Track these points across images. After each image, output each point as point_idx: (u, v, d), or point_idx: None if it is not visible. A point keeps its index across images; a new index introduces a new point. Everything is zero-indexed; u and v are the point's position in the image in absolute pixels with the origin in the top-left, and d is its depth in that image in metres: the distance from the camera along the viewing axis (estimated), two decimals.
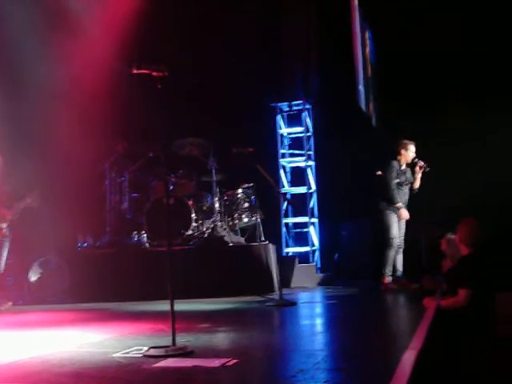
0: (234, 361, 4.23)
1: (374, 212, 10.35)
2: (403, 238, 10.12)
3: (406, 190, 10.14)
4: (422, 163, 10.06)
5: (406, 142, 10.20)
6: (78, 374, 4.04)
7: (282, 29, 12.88)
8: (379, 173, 10.15)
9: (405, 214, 9.96)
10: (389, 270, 9.91)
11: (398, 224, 9.99)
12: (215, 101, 12.33)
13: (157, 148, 10.28)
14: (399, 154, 10.17)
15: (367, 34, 13.86)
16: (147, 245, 10.52)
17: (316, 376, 3.76)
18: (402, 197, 10.03)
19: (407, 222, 10.15)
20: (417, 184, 10.16)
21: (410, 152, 10.15)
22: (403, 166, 10.16)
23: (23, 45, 11.51)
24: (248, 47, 12.39)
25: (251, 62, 12.43)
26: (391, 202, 9.93)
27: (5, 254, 9.34)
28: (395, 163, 10.10)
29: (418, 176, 10.12)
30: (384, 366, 4.04)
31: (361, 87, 12.99)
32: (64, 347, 5.17)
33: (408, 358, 4.06)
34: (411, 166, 10.21)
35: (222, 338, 5.51)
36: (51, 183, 11.17)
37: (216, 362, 4.20)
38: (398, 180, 10.02)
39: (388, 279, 9.91)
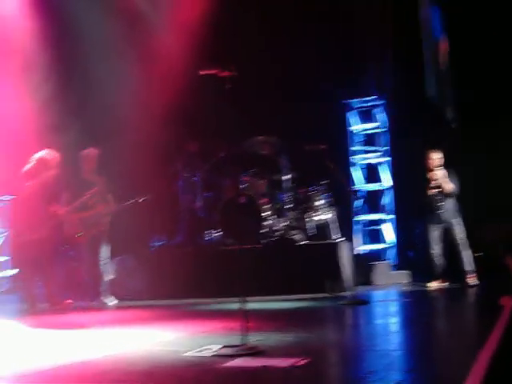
0: (305, 360, 4.20)
1: None
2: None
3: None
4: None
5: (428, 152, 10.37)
6: (149, 373, 4.09)
7: (354, 25, 12.76)
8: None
9: None
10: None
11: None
12: (286, 99, 12.30)
13: (229, 147, 10.34)
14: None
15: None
16: (220, 243, 10.57)
17: (387, 377, 3.70)
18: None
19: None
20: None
21: (428, 160, 10.32)
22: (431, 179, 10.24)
23: (98, 49, 11.75)
24: (320, 44, 12.31)
25: (323, 59, 12.35)
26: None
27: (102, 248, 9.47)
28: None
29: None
30: (458, 367, 3.95)
31: (431, 79, 12.77)
32: (137, 346, 5.25)
33: (483, 359, 3.95)
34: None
35: (293, 338, 5.47)
36: (126, 183, 11.37)
37: (286, 362, 4.18)
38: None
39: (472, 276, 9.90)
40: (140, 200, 9.88)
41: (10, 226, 7.63)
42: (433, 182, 10.22)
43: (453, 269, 10.24)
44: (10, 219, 7.72)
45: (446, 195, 10.18)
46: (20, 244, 7.58)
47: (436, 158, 10.29)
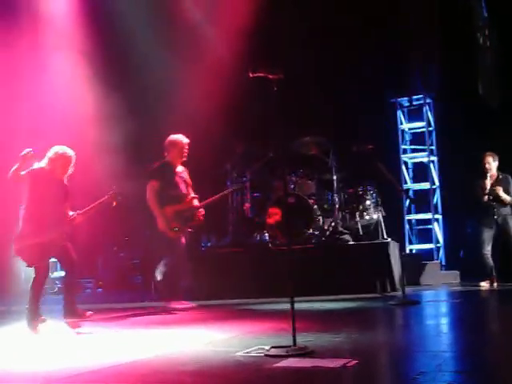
0: (355, 361, 4.20)
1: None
2: None
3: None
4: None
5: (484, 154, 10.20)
6: (200, 373, 4.14)
7: (400, 23, 12.68)
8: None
9: None
10: None
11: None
12: (335, 98, 12.30)
13: (277, 148, 10.36)
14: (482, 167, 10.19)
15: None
16: (269, 244, 10.61)
17: (437, 378, 3.68)
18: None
19: None
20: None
21: (484, 164, 10.15)
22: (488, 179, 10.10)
23: (144, 50, 11.91)
24: (368, 43, 12.28)
25: (371, 57, 12.31)
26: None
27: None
28: (479, 181, 10.15)
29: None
30: (508, 369, 3.91)
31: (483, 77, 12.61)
32: (188, 346, 5.31)
33: None
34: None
35: (343, 338, 5.47)
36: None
37: (336, 363, 4.18)
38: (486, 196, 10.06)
39: None
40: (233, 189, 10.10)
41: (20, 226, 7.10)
42: (488, 189, 10.07)
43: (505, 269, 10.13)
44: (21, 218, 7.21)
45: (501, 203, 10.03)
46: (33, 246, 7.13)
47: (493, 162, 10.14)
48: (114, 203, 7.45)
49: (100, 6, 12.43)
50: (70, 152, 7.34)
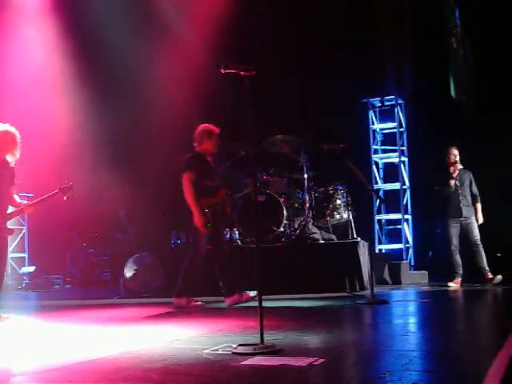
0: (322, 360, 4.21)
1: None
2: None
3: (465, 191, 10.33)
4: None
5: (448, 148, 10.43)
6: (166, 371, 4.11)
7: (373, 24, 12.73)
8: (436, 188, 10.52)
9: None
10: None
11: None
12: (306, 97, 12.31)
13: (248, 146, 10.34)
14: (446, 161, 10.40)
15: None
16: (239, 241, 10.59)
17: (404, 377, 3.69)
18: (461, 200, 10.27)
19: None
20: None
21: (450, 155, 10.35)
22: (451, 169, 10.33)
23: (120, 47, 11.84)
24: (339, 43, 12.31)
25: (343, 58, 12.35)
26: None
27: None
28: (443, 172, 10.40)
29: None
30: (475, 369, 3.94)
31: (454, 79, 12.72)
32: (155, 343, 5.27)
33: (501, 362, 3.93)
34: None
35: (310, 337, 5.48)
36: (144, 182, 11.45)
37: (304, 361, 4.18)
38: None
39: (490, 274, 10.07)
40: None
41: None
42: (453, 176, 10.27)
43: (471, 268, 10.26)
44: None
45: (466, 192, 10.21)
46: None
47: (456, 153, 10.35)
48: (65, 197, 7.19)
49: None
50: (13, 129, 7.02)
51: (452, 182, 10.23)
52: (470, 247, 10.22)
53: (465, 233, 10.26)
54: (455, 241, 10.22)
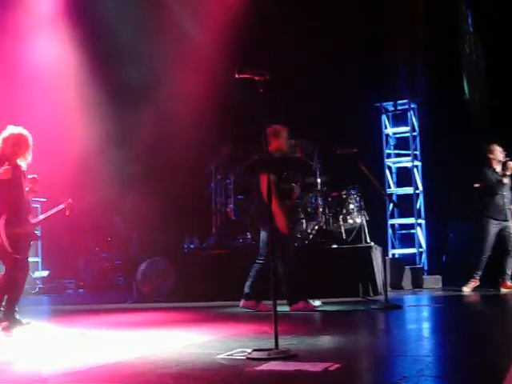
0: (337, 365, 4.19)
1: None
2: None
3: (507, 192, 9.94)
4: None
5: (489, 146, 10.05)
6: (181, 376, 4.11)
7: (385, 28, 12.71)
8: (477, 185, 9.94)
9: None
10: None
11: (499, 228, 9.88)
12: (319, 102, 12.30)
13: (261, 150, 10.33)
14: (488, 159, 9.98)
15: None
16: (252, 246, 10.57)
17: (419, 383, 3.68)
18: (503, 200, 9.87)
19: None
20: None
21: (497, 153, 9.98)
22: (498, 169, 9.90)
23: (128, 50, 11.86)
24: (353, 47, 12.30)
25: (356, 62, 12.33)
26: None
27: None
28: (487, 170, 9.93)
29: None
30: (491, 375, 3.91)
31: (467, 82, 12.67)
32: (169, 348, 5.27)
33: None
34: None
35: (325, 342, 5.46)
36: (158, 186, 11.45)
37: (318, 367, 4.16)
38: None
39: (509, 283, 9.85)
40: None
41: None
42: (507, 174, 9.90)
43: (491, 274, 10.08)
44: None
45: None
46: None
47: (501, 150, 10.01)
48: (68, 213, 7.42)
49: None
50: (26, 132, 6.92)
51: (506, 181, 9.88)
52: (504, 251, 9.98)
53: (502, 236, 9.98)
54: (490, 246, 9.93)
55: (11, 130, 6.92)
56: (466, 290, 9.97)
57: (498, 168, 9.97)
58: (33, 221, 7.29)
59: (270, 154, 8.11)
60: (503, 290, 9.81)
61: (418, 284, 11.21)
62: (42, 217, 7.59)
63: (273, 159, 8.20)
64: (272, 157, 8.20)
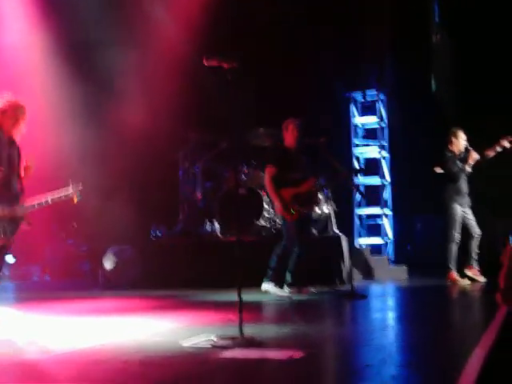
0: (301, 353, 4.21)
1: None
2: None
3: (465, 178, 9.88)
4: (475, 155, 9.79)
5: (455, 129, 9.91)
6: (146, 363, 4.10)
7: (356, 18, 12.74)
8: (439, 171, 9.92)
9: None
10: (452, 265, 9.65)
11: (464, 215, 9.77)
12: (288, 90, 12.29)
13: (230, 138, 10.33)
14: (451, 142, 9.89)
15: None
16: (219, 234, 10.58)
17: (382, 371, 3.71)
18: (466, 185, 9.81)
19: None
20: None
21: (460, 140, 9.85)
22: (460, 155, 9.88)
23: (98, 33, 11.74)
24: (321, 37, 12.31)
25: (325, 50, 12.35)
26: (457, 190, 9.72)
27: None
28: (449, 154, 9.84)
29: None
30: (453, 363, 3.96)
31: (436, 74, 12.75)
32: (135, 335, 5.26)
33: (478, 356, 3.96)
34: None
35: (290, 330, 5.48)
36: (125, 173, 11.37)
37: (283, 354, 4.18)
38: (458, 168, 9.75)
39: (454, 274, 9.66)
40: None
41: None
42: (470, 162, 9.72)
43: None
44: None
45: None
46: None
47: (465, 138, 9.87)
48: (76, 201, 6.64)
49: None
50: (19, 101, 6.58)
51: (468, 169, 9.73)
52: (468, 236, 9.72)
53: (465, 223, 9.76)
54: (458, 230, 9.67)
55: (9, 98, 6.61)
56: (465, 282, 9.71)
57: (460, 154, 9.91)
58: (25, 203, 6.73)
59: (277, 146, 8.88)
60: (469, 274, 9.70)
61: (383, 274, 11.27)
62: (41, 201, 6.77)
63: (277, 151, 8.74)
64: (278, 149, 8.80)
